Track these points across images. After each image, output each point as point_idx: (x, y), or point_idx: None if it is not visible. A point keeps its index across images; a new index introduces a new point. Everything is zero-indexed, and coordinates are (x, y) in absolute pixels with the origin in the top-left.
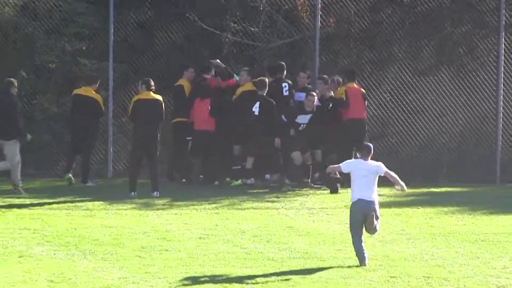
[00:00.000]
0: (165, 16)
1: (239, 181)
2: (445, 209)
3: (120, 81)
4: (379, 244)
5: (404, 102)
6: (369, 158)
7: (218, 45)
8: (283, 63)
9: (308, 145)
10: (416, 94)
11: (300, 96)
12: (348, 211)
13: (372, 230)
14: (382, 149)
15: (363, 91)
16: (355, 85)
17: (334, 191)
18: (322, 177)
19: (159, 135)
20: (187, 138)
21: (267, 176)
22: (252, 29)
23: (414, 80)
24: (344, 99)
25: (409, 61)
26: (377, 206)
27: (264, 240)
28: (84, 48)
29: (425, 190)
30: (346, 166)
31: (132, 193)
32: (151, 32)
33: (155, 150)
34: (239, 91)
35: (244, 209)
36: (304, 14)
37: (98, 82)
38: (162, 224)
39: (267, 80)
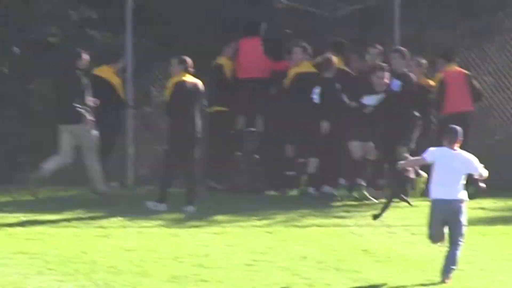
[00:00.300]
0: None
1: (295, 191)
2: None
3: (142, 60)
4: (481, 274)
5: None
6: (457, 146)
7: (268, 12)
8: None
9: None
10: None
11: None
12: None
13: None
14: (481, 148)
15: (467, 73)
16: (456, 68)
17: (405, 200)
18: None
19: (199, 131)
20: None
21: (326, 189)
22: None
23: None
24: (435, 91)
25: None
26: (464, 209)
27: (332, 268)
28: (94, 16)
29: None
30: (431, 154)
31: (162, 205)
32: None
33: (195, 150)
34: (292, 73)
35: (305, 226)
36: None
37: (121, 61)
38: (198, 246)
39: (334, 58)
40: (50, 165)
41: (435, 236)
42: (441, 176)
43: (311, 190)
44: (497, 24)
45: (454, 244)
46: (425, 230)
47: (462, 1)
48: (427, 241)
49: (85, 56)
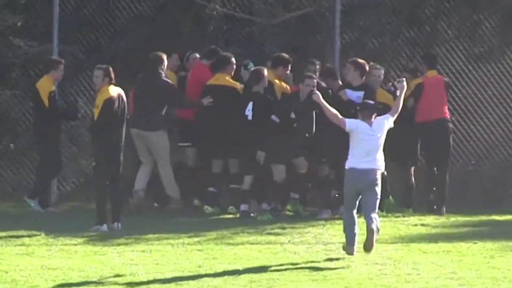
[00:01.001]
0: None
1: (211, 208)
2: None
3: (69, 69)
4: None
5: (456, 97)
6: (373, 118)
7: (202, 20)
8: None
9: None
10: (473, 86)
11: None
12: (377, 247)
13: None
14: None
15: (446, 79)
16: (436, 74)
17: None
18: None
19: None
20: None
21: (265, 205)
22: None
23: (470, 67)
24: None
25: (462, 42)
26: (380, 180)
27: (265, 287)
28: (19, 24)
29: (484, 218)
30: (350, 123)
31: (103, 226)
32: (110, 1)
33: (120, 166)
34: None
35: (237, 244)
36: None
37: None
38: (124, 265)
39: (265, 71)
40: (142, 182)
41: (348, 219)
42: (359, 147)
43: (243, 207)
44: (439, 33)
45: (368, 215)
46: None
47: (404, 9)
48: (367, 259)
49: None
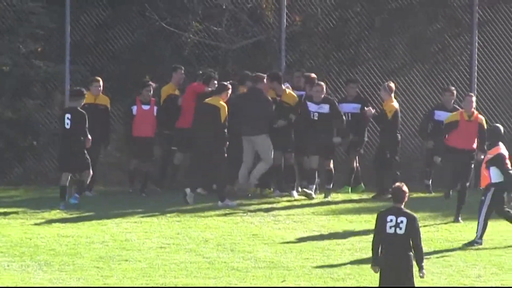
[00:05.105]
0: (125, 15)
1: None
2: (418, 215)
3: (77, 84)
4: (348, 253)
5: (374, 104)
6: None
7: (180, 46)
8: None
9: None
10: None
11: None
12: (314, 219)
13: None
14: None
15: None
16: None
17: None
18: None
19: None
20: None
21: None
22: (215, 28)
23: (384, 80)
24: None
25: (378, 61)
26: None
27: (228, 249)
28: (39, 49)
29: None
30: None
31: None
32: (110, 32)
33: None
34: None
35: (207, 216)
36: (269, 12)
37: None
38: (121, 233)
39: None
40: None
41: None
42: None
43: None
44: (360, 55)
45: None
46: (305, 218)
47: (333, 36)
48: (306, 228)
49: None
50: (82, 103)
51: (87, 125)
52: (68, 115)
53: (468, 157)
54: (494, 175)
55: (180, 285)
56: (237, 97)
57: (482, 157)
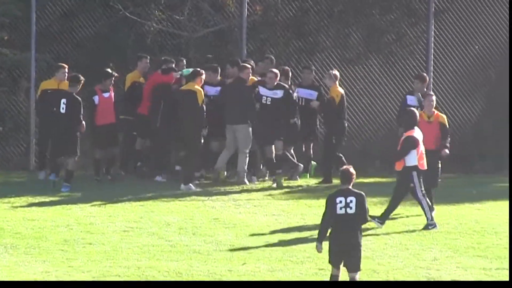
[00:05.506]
0: (89, 5)
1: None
2: (374, 199)
3: (42, 72)
4: (307, 236)
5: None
6: None
7: (143, 34)
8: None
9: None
10: (344, 83)
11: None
12: (274, 203)
13: None
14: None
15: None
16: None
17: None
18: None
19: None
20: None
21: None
22: (177, 17)
23: (342, 68)
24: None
25: (337, 50)
26: None
27: (190, 233)
28: (5, 37)
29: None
30: None
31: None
32: (75, 21)
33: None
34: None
35: (169, 201)
36: (230, 2)
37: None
38: (85, 216)
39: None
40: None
41: None
42: None
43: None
44: (319, 43)
45: None
46: (265, 203)
47: (293, 25)
48: (266, 212)
49: None
50: (79, 89)
51: (82, 111)
52: (63, 100)
53: (431, 157)
54: (409, 158)
55: (143, 268)
56: (225, 86)
57: (446, 153)
